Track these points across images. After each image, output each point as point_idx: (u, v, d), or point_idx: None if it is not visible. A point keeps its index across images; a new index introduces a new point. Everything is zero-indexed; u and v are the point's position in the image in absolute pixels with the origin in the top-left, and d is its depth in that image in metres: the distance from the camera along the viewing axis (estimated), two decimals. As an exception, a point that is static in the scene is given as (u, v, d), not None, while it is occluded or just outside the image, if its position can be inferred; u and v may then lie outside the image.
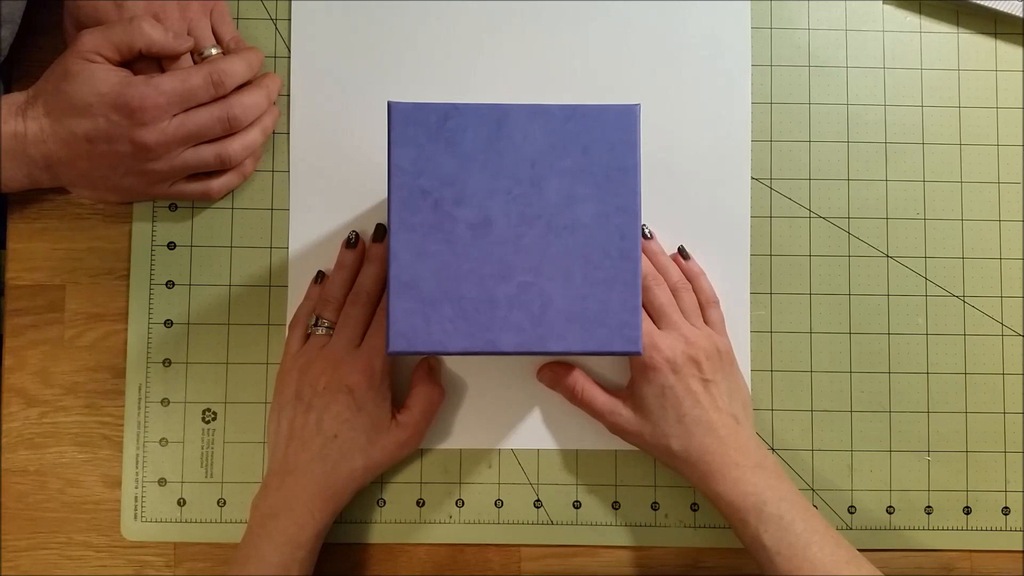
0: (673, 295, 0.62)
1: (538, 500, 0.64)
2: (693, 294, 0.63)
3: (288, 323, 0.64)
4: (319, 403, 0.59)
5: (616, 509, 0.64)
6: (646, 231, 0.64)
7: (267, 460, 0.61)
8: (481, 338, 0.50)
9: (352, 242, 0.63)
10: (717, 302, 0.63)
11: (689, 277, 0.63)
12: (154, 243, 0.65)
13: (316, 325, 0.61)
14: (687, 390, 0.59)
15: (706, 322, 0.62)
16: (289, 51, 0.66)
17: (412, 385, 0.62)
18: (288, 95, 0.65)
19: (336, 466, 0.59)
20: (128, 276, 0.65)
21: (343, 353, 0.60)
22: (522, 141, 0.51)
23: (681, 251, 0.64)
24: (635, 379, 0.60)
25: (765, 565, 0.55)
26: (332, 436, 0.59)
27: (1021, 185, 0.65)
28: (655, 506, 0.64)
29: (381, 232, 0.63)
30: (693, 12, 0.66)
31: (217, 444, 0.64)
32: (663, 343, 0.59)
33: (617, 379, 0.64)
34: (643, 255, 0.63)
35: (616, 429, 0.61)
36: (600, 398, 0.61)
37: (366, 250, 0.63)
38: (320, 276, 0.64)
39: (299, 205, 0.65)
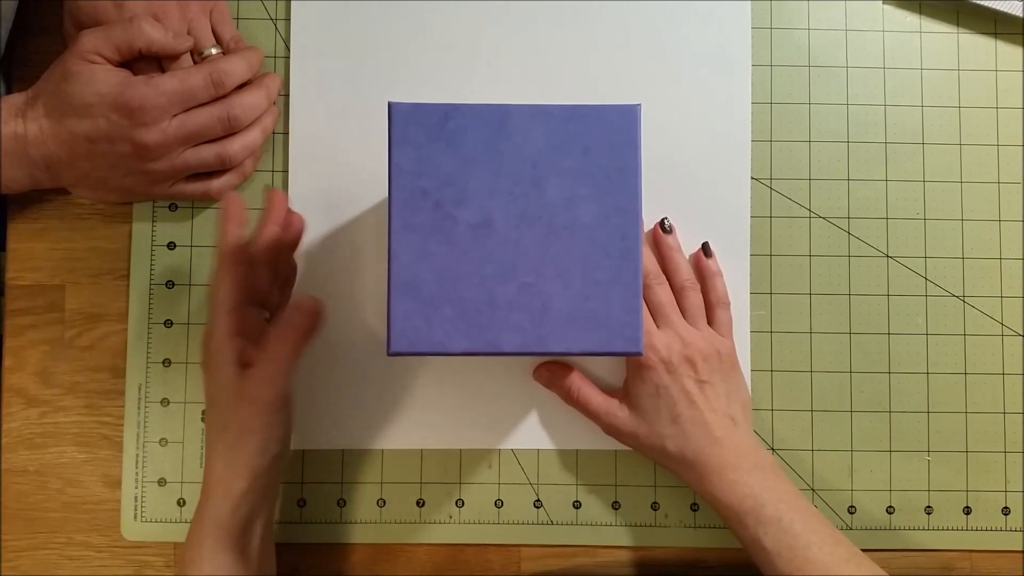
0: (679, 294, 0.62)
1: (538, 500, 0.64)
2: (699, 294, 0.62)
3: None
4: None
5: (616, 509, 0.64)
6: (666, 224, 0.63)
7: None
8: (482, 339, 0.50)
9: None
10: (727, 304, 0.63)
11: (705, 276, 0.63)
12: (154, 243, 0.65)
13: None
14: (681, 390, 0.59)
15: (712, 322, 0.62)
16: (289, 51, 0.65)
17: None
18: (288, 95, 0.65)
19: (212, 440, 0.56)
20: (128, 276, 0.65)
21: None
22: (523, 141, 0.51)
23: (704, 248, 0.64)
24: (630, 379, 0.61)
25: (766, 567, 0.55)
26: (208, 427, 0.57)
27: (1021, 185, 0.65)
28: (655, 506, 0.64)
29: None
30: (693, 12, 0.66)
31: (217, 444, 0.64)
32: (658, 342, 0.59)
33: (615, 381, 0.64)
34: (654, 250, 0.63)
35: (611, 430, 0.61)
36: (596, 399, 0.61)
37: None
38: None
39: (299, 205, 0.65)
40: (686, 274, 0.63)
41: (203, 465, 0.57)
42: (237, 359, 0.55)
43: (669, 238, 0.63)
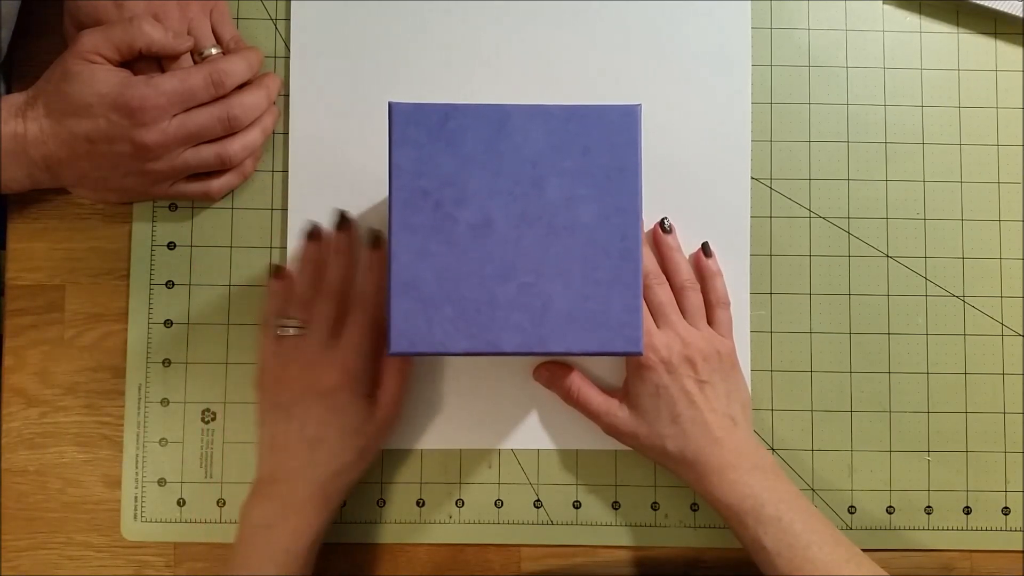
0: (679, 294, 0.62)
1: (538, 500, 0.64)
2: (699, 294, 0.62)
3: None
4: (299, 411, 0.58)
5: (616, 509, 0.64)
6: (666, 224, 0.64)
7: (256, 467, 0.60)
8: (482, 339, 0.50)
9: (314, 234, 0.62)
10: (727, 304, 0.63)
11: (705, 275, 0.63)
12: (154, 243, 0.65)
13: (285, 326, 0.60)
14: (681, 390, 0.59)
15: (712, 323, 0.62)
16: (289, 51, 0.65)
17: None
18: (288, 95, 0.65)
19: (326, 469, 0.58)
20: (128, 276, 0.65)
21: (317, 353, 0.59)
22: (523, 141, 0.51)
23: (704, 248, 0.64)
24: (630, 378, 0.61)
25: (766, 566, 0.55)
26: (317, 441, 0.58)
27: (1021, 185, 0.65)
28: (655, 506, 0.64)
29: (344, 222, 0.62)
30: (693, 12, 0.66)
31: (216, 444, 0.64)
32: (659, 342, 0.59)
33: (614, 380, 0.64)
34: (654, 250, 0.63)
35: (611, 430, 0.61)
36: (596, 399, 0.61)
37: (333, 242, 0.62)
38: (277, 270, 0.63)
39: (298, 205, 0.65)
40: (686, 274, 0.63)
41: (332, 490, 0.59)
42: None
43: (669, 238, 0.63)
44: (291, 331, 0.60)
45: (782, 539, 0.55)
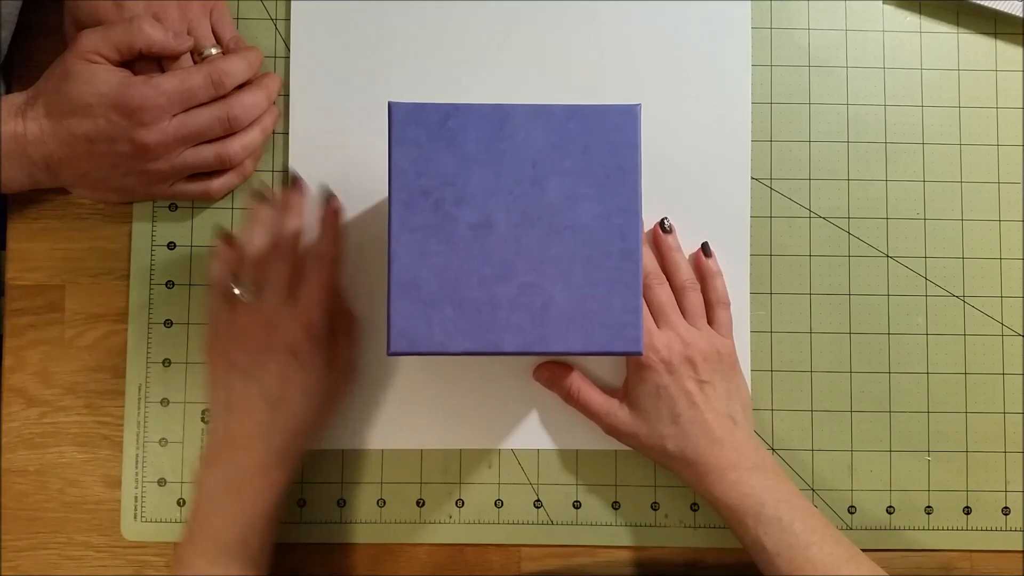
0: (679, 294, 0.62)
1: (538, 500, 0.64)
2: (699, 294, 0.62)
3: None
4: (258, 370, 0.57)
5: (616, 509, 0.64)
6: (666, 224, 0.63)
7: (207, 435, 0.59)
8: (482, 339, 0.50)
9: (262, 195, 0.62)
10: (727, 304, 0.63)
11: (704, 275, 0.63)
12: (154, 243, 0.65)
13: (239, 288, 0.59)
14: (682, 390, 0.59)
15: (712, 323, 0.62)
16: (289, 51, 0.65)
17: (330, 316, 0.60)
18: (288, 95, 0.65)
19: (286, 430, 0.57)
20: (128, 276, 0.65)
21: (276, 312, 0.58)
22: (523, 141, 0.51)
23: (704, 248, 0.64)
24: (630, 379, 0.61)
25: (766, 566, 0.55)
26: (280, 400, 0.57)
27: (1021, 185, 0.65)
28: (655, 506, 0.64)
29: (294, 181, 0.62)
30: (693, 12, 0.66)
31: (217, 444, 0.64)
32: (659, 342, 0.59)
33: (614, 380, 0.64)
34: (654, 250, 0.63)
35: (611, 430, 0.61)
36: (596, 399, 0.61)
37: (282, 200, 0.62)
38: (225, 234, 0.61)
39: (299, 205, 0.65)
40: (686, 274, 0.63)
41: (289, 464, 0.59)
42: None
43: (669, 238, 0.63)
44: (246, 294, 0.59)
45: (782, 539, 0.55)
